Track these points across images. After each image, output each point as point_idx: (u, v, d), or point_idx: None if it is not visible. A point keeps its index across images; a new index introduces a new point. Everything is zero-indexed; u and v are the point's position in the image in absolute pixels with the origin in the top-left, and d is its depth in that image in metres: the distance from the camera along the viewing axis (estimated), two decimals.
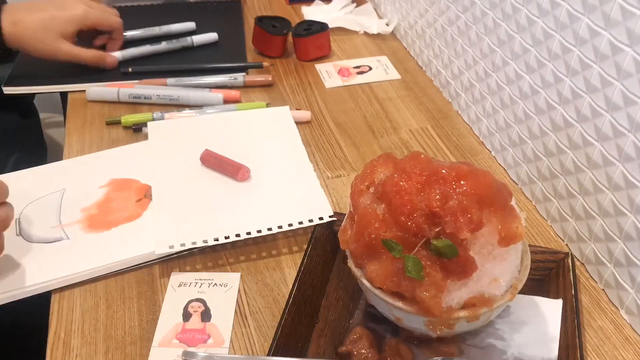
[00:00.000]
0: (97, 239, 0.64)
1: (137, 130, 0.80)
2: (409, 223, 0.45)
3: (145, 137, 0.77)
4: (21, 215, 0.66)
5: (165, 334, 0.55)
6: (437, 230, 0.44)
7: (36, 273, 0.60)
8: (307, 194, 0.68)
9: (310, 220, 0.63)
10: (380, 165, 0.51)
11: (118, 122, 0.82)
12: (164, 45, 0.97)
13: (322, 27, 0.98)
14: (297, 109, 0.85)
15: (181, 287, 0.59)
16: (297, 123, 0.82)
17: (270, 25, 0.98)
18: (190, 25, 1.03)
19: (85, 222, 0.66)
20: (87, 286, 0.60)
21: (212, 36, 1.00)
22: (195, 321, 0.57)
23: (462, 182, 0.45)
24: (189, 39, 0.98)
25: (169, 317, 0.57)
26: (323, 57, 0.98)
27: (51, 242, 0.63)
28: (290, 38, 0.98)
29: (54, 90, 0.91)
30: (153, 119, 0.81)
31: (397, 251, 0.45)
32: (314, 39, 0.97)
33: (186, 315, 0.57)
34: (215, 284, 0.60)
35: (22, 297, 0.58)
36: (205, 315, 0.57)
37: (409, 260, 0.44)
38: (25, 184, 0.70)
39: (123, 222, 0.66)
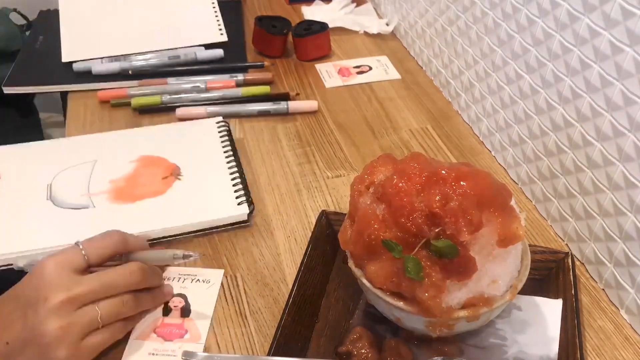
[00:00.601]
0: (120, 209, 0.66)
1: (143, 112, 0.84)
2: (409, 224, 0.45)
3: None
4: (53, 181, 0.69)
5: (144, 328, 0.56)
6: (437, 230, 0.44)
7: (58, 236, 0.62)
8: (221, 198, 0.68)
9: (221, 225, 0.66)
10: (380, 166, 0.51)
11: (124, 105, 0.85)
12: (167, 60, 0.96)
13: (322, 27, 0.98)
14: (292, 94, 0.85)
15: (165, 282, 0.60)
16: (303, 113, 0.84)
17: (270, 25, 0.97)
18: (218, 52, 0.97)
19: (112, 193, 0.68)
20: None
21: (218, 52, 0.97)
22: (174, 316, 0.57)
23: (462, 183, 0.45)
24: (193, 54, 0.96)
25: (149, 311, 0.57)
26: (323, 57, 0.98)
27: (78, 209, 0.66)
28: (290, 38, 0.98)
29: (54, 90, 0.91)
30: (162, 103, 0.85)
31: (397, 251, 0.45)
32: (314, 39, 0.97)
33: (167, 310, 0.58)
34: (198, 279, 0.61)
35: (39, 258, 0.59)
36: (185, 311, 0.58)
37: (408, 261, 0.44)
38: (60, 152, 0.75)
39: (148, 196, 0.68)
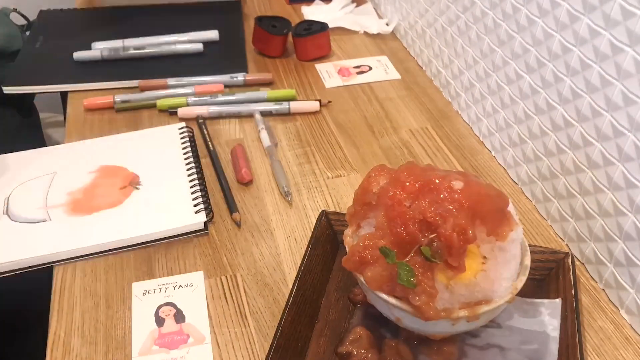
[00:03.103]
0: (77, 222, 0.66)
1: (173, 114, 0.85)
2: (404, 234, 0.45)
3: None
4: (11, 195, 0.69)
5: (142, 343, 0.55)
6: (431, 237, 0.45)
7: (14, 251, 0.62)
8: (178, 207, 0.68)
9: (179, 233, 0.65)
10: (376, 176, 0.51)
11: (129, 109, 0.85)
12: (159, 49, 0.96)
13: (322, 27, 0.97)
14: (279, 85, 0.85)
15: (146, 295, 0.59)
16: (304, 114, 0.85)
17: (270, 25, 0.97)
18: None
19: (69, 205, 0.68)
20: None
21: (197, 46, 0.97)
22: (170, 324, 0.57)
23: (456, 194, 0.46)
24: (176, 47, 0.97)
25: (141, 325, 0.57)
26: (323, 57, 0.98)
27: (34, 223, 0.65)
28: (290, 38, 0.98)
29: (54, 90, 0.91)
30: (187, 104, 0.85)
31: (390, 257, 0.45)
32: (313, 39, 0.96)
33: (159, 321, 0.57)
34: (180, 285, 0.60)
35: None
36: (179, 317, 0.57)
37: (400, 268, 0.45)
38: (20, 165, 0.74)
39: (105, 207, 0.68)
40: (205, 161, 0.76)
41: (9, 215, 0.66)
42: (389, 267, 0.46)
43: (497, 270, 0.47)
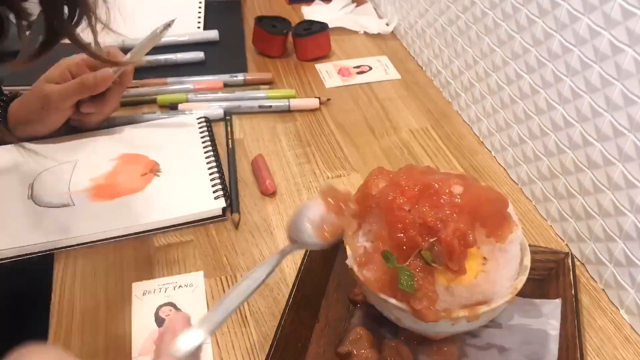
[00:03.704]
0: (100, 207, 0.67)
1: (174, 109, 0.85)
2: (404, 239, 0.46)
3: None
4: (35, 181, 0.70)
5: (142, 344, 0.55)
6: (431, 240, 0.45)
7: (39, 233, 0.64)
8: (198, 193, 0.70)
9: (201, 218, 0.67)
10: (376, 179, 0.51)
11: (129, 104, 0.85)
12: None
13: (322, 27, 0.98)
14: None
15: (146, 295, 0.59)
16: (303, 113, 0.85)
17: (270, 25, 0.97)
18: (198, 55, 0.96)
19: (92, 191, 0.69)
20: None
21: (198, 55, 0.96)
22: None
23: (456, 199, 0.46)
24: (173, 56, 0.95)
25: (141, 325, 0.57)
26: (323, 56, 0.98)
27: (58, 207, 0.67)
28: (290, 38, 0.98)
29: None
30: (187, 100, 0.86)
31: (391, 261, 0.45)
32: (314, 39, 0.97)
33: (159, 321, 0.57)
34: (181, 285, 0.61)
35: (22, 254, 0.62)
36: None
37: (401, 272, 0.45)
38: (43, 153, 0.75)
39: (126, 193, 0.69)
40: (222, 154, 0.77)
41: (33, 200, 0.68)
42: (388, 271, 0.46)
43: (498, 271, 0.47)
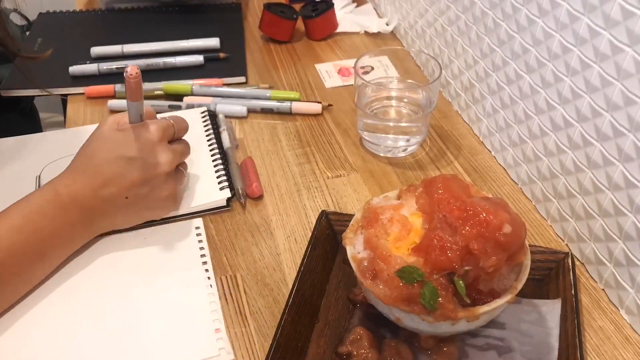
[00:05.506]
0: None
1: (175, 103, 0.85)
2: (442, 258, 0.46)
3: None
4: (42, 173, 0.72)
5: None
6: (466, 268, 0.45)
7: None
8: (203, 183, 0.71)
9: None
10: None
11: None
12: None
13: (327, 5, 1.02)
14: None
15: None
16: (306, 115, 0.85)
17: (279, 11, 1.01)
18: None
19: None
20: None
21: (197, 59, 0.95)
22: None
23: (502, 237, 0.46)
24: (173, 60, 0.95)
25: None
26: (333, 33, 1.03)
27: None
28: (296, 25, 1.01)
29: (51, 94, 0.91)
30: (192, 93, 0.87)
31: (417, 275, 0.45)
32: (323, 18, 1.02)
33: None
34: None
35: None
36: None
37: (427, 288, 0.45)
38: (48, 145, 0.77)
39: None
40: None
41: None
42: (406, 286, 0.46)
43: (500, 280, 0.48)
